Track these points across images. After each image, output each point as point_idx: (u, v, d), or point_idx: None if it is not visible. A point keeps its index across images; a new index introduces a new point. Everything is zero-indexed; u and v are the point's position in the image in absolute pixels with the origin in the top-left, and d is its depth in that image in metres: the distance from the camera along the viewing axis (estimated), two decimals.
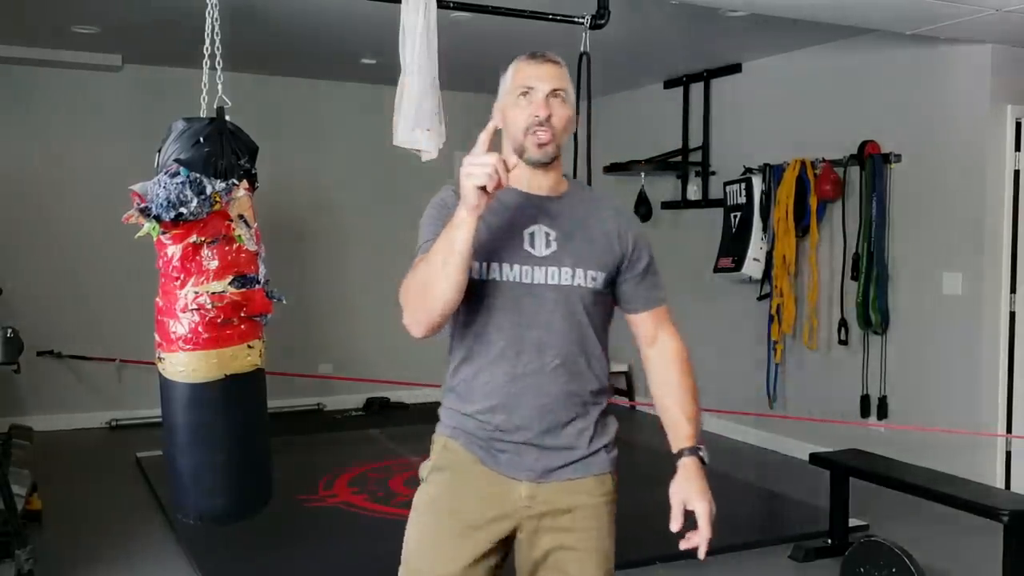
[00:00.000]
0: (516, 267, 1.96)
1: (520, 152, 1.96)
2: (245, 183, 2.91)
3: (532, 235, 1.98)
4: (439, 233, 1.87)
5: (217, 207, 2.81)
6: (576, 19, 4.14)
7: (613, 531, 2.08)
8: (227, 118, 2.95)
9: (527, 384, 1.96)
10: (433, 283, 1.84)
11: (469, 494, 2.01)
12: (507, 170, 1.75)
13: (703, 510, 1.94)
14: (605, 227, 2.04)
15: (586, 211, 2.04)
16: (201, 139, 2.83)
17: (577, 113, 4.40)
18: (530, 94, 1.96)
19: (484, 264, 1.94)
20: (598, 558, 2.03)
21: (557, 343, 1.97)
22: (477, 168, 1.73)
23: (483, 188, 1.72)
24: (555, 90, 1.96)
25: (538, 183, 2.01)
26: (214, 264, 2.83)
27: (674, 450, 2.01)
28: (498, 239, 1.96)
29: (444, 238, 1.81)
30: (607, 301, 2.06)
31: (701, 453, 1.99)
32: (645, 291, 2.08)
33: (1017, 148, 5.17)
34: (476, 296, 1.96)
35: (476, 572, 1.98)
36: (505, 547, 2.03)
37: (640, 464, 3.95)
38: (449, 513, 2.01)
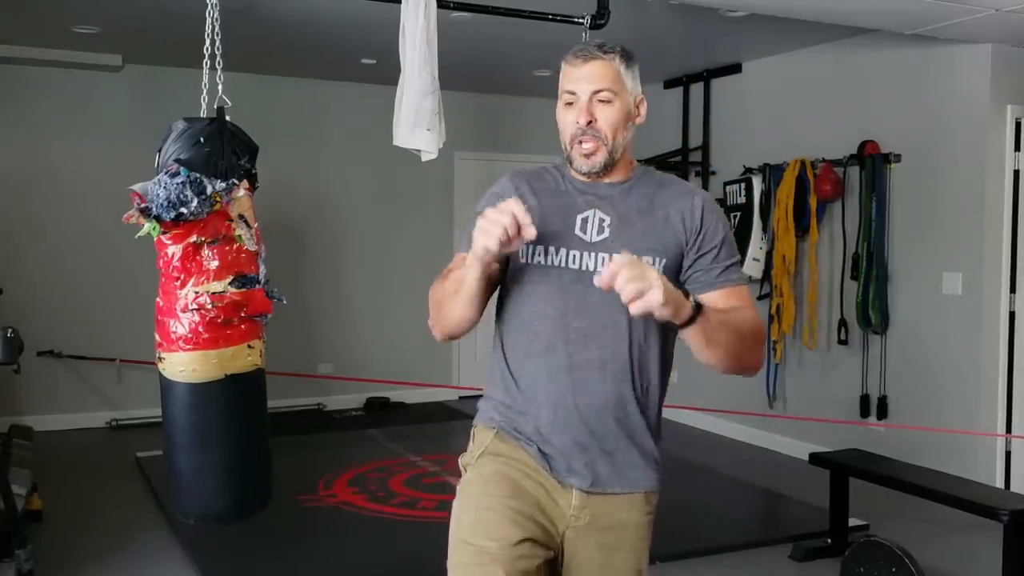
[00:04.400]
0: (563, 251, 1.88)
1: (570, 162, 1.92)
2: (245, 183, 2.91)
3: (586, 220, 1.90)
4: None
5: (217, 207, 2.81)
6: (576, 19, 4.14)
7: (648, 548, 2.00)
8: (227, 118, 2.95)
9: (572, 380, 1.87)
10: (447, 306, 1.87)
11: (521, 488, 1.90)
12: (519, 233, 1.67)
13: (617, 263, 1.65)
14: (668, 209, 1.91)
15: (648, 195, 1.93)
16: (201, 139, 2.83)
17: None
18: (574, 99, 1.88)
19: (531, 248, 1.88)
20: None
21: (605, 336, 1.86)
22: (489, 227, 1.68)
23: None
24: (599, 91, 1.87)
25: (597, 174, 1.92)
26: (214, 264, 2.83)
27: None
28: (549, 223, 1.88)
29: (460, 270, 1.81)
30: None
31: (695, 303, 1.75)
32: (715, 271, 1.91)
33: (1017, 148, 5.18)
34: (522, 281, 1.91)
35: (527, 552, 1.84)
36: (550, 548, 1.91)
37: None
38: (501, 496, 1.88)
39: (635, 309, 1.63)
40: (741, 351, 1.84)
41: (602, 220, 1.90)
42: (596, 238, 1.89)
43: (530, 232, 1.69)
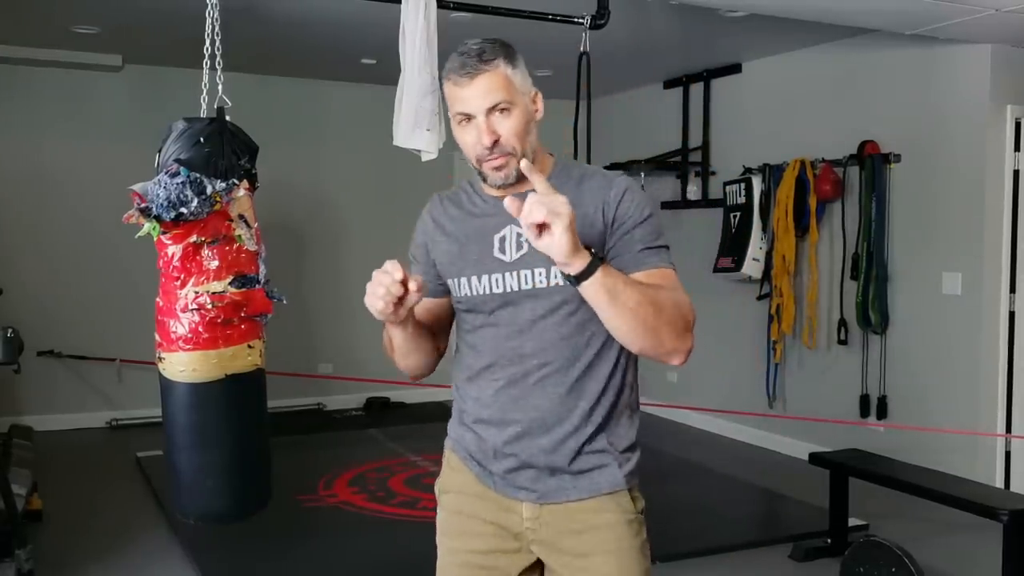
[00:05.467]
0: (485, 278, 1.83)
1: (483, 179, 1.83)
2: (245, 183, 2.90)
3: (503, 239, 1.82)
4: (414, 258, 1.96)
5: (217, 207, 2.81)
6: (576, 19, 4.14)
7: (641, 554, 1.88)
8: (227, 118, 2.95)
9: (512, 396, 1.83)
10: (397, 359, 1.97)
11: (472, 522, 1.93)
12: (406, 292, 1.66)
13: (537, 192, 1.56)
14: (587, 208, 1.77)
15: (567, 196, 1.65)
16: (201, 139, 2.83)
17: (578, 104, 4.37)
18: (469, 119, 1.76)
19: (456, 280, 1.88)
20: None
21: (541, 350, 1.81)
22: (372, 294, 1.67)
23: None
24: (495, 105, 1.73)
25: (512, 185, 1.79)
26: (214, 264, 2.82)
27: None
28: (468, 251, 1.85)
29: (386, 329, 1.86)
30: None
31: (595, 254, 1.61)
32: (633, 251, 1.77)
33: (1017, 148, 5.18)
34: (459, 310, 1.93)
35: None
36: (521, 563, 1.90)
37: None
38: (456, 545, 1.98)
39: (538, 243, 1.54)
40: (657, 325, 1.67)
41: (519, 235, 1.78)
42: (515, 255, 1.80)
43: (414, 286, 1.66)
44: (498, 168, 1.77)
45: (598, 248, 1.71)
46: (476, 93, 1.73)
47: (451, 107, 1.78)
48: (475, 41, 1.77)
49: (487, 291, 1.83)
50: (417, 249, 1.97)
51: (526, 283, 1.80)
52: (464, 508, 1.97)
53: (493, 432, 1.87)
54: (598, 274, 1.59)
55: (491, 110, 1.73)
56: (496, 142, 1.75)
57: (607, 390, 1.86)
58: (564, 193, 1.60)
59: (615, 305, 1.63)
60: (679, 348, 1.74)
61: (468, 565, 1.93)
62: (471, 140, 1.77)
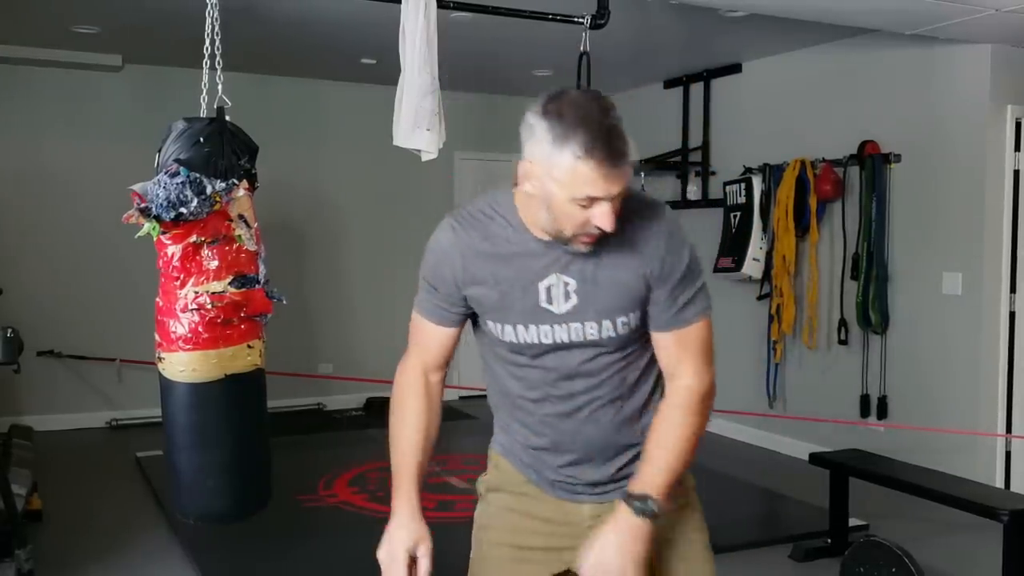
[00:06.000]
0: (533, 328, 1.77)
1: (556, 236, 1.70)
2: (245, 183, 2.91)
3: (549, 289, 1.75)
4: (433, 287, 1.83)
5: (217, 207, 2.81)
6: (576, 19, 4.14)
7: (698, 530, 1.94)
8: (227, 118, 2.95)
9: (564, 429, 1.84)
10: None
11: (527, 520, 1.91)
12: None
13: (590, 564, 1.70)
14: (632, 257, 1.74)
15: (611, 244, 1.72)
16: (201, 139, 2.83)
17: None
18: (595, 202, 1.62)
19: (499, 325, 1.79)
20: (690, 561, 1.91)
21: (592, 388, 1.80)
22: None
23: None
24: (619, 192, 1.64)
25: None
26: (214, 264, 2.83)
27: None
28: (511, 298, 1.76)
29: (393, 476, 1.89)
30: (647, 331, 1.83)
31: (648, 504, 1.71)
32: (671, 310, 1.78)
33: (1017, 148, 5.18)
34: (498, 347, 1.84)
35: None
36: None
37: None
38: (504, 539, 1.93)
39: None
40: (700, 433, 1.80)
41: (567, 284, 1.74)
42: (564, 307, 1.75)
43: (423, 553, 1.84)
44: (589, 244, 1.70)
45: (644, 293, 1.75)
46: (618, 183, 1.61)
47: (577, 187, 1.60)
48: (616, 119, 1.61)
49: (535, 340, 1.78)
50: (439, 280, 1.83)
51: (577, 336, 1.77)
52: (516, 506, 1.95)
53: (547, 456, 1.89)
54: (662, 502, 1.73)
55: (615, 196, 1.64)
56: None
57: (648, 405, 1.88)
58: (608, 239, 1.68)
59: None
60: (712, 407, 1.85)
61: (518, 560, 1.91)
62: (581, 218, 1.63)
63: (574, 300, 1.75)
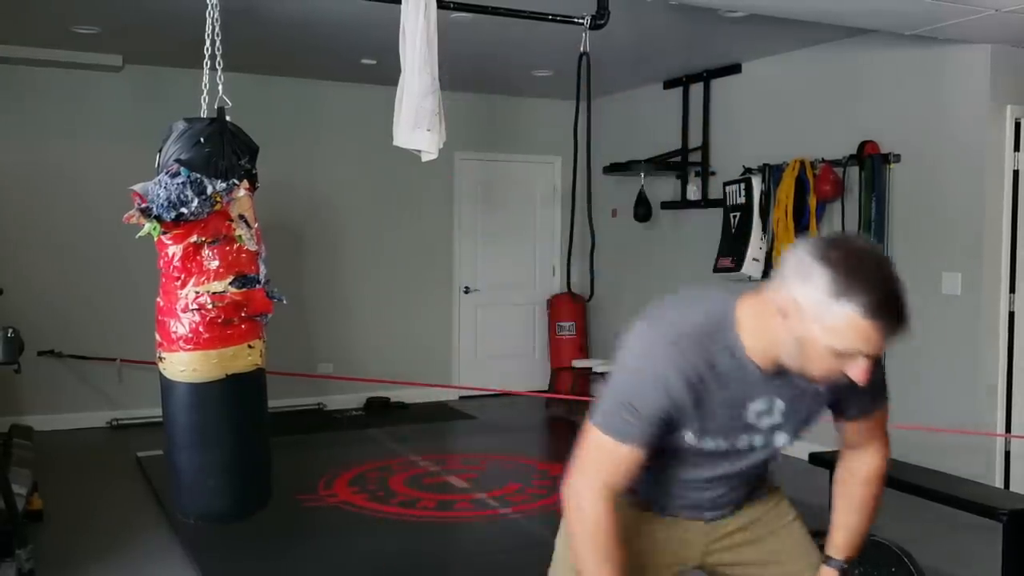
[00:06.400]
0: (732, 437, 1.80)
1: (795, 368, 1.69)
2: (246, 183, 2.91)
3: (759, 412, 1.78)
4: (635, 409, 1.67)
5: (218, 207, 2.81)
6: (576, 19, 4.14)
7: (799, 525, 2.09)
8: (227, 118, 2.95)
9: (712, 496, 1.95)
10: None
11: (637, 535, 1.93)
12: None
13: None
14: (841, 381, 1.70)
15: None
16: (202, 139, 2.83)
17: (577, 105, 4.41)
18: (851, 356, 1.59)
19: (699, 436, 1.77)
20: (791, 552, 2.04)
21: (752, 467, 1.90)
22: None
23: None
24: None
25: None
26: (215, 264, 2.83)
27: (824, 551, 1.99)
28: (719, 415, 1.75)
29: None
30: None
31: (845, 567, 1.95)
32: (866, 404, 1.91)
33: (1016, 148, 5.18)
34: (676, 448, 1.81)
35: None
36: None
37: None
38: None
39: None
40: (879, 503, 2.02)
41: (774, 404, 1.78)
42: (766, 424, 1.80)
43: None
44: (820, 383, 1.73)
45: (835, 399, 1.85)
46: (891, 344, 1.60)
47: (849, 340, 1.57)
48: (900, 282, 1.65)
49: (727, 448, 1.81)
50: (650, 406, 1.70)
51: (768, 445, 1.84)
52: (627, 520, 1.91)
53: (681, 508, 1.97)
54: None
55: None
56: None
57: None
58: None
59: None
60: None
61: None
62: (834, 366, 1.61)
63: (778, 418, 1.80)
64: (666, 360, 1.68)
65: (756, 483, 1.99)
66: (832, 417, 1.91)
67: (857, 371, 1.60)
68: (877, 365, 1.81)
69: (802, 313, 1.58)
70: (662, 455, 1.81)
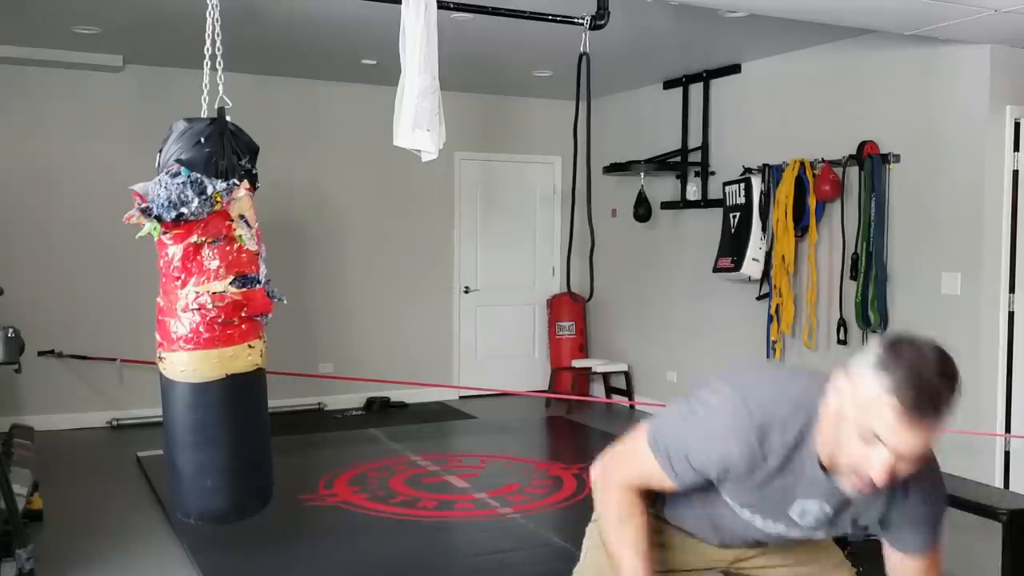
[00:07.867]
0: (769, 522, 1.82)
1: (831, 464, 1.70)
2: (246, 183, 2.91)
3: (803, 512, 1.79)
4: (691, 465, 1.73)
5: (218, 207, 2.82)
6: (576, 19, 4.15)
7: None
8: (228, 118, 2.96)
9: (734, 539, 1.97)
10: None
11: (664, 548, 2.00)
12: None
13: None
14: (893, 512, 1.79)
15: (885, 500, 1.79)
16: (202, 139, 2.83)
17: (577, 105, 4.42)
18: (882, 448, 1.57)
19: (737, 505, 1.82)
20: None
21: (780, 542, 1.93)
22: None
23: None
24: (909, 456, 1.58)
25: None
26: (215, 264, 2.83)
27: None
28: (768, 499, 1.77)
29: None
30: None
31: None
32: (914, 530, 1.87)
33: (1016, 148, 5.18)
34: (716, 498, 1.83)
35: None
36: None
37: None
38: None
39: None
40: None
41: (819, 508, 1.77)
42: (805, 522, 1.80)
43: None
44: (858, 489, 1.68)
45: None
46: (911, 439, 1.55)
47: (870, 417, 1.56)
48: (951, 388, 1.58)
49: (764, 530, 1.85)
50: (706, 466, 1.75)
51: (803, 536, 1.86)
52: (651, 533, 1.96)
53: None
54: None
55: (903, 457, 1.58)
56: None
57: None
58: (886, 496, 1.75)
59: None
60: None
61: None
62: (858, 454, 1.60)
63: (819, 521, 1.80)
64: (740, 442, 1.69)
65: (791, 544, 2.02)
66: (883, 544, 1.89)
67: (875, 465, 1.56)
68: (936, 503, 1.87)
69: (848, 387, 1.62)
70: (701, 492, 1.85)
